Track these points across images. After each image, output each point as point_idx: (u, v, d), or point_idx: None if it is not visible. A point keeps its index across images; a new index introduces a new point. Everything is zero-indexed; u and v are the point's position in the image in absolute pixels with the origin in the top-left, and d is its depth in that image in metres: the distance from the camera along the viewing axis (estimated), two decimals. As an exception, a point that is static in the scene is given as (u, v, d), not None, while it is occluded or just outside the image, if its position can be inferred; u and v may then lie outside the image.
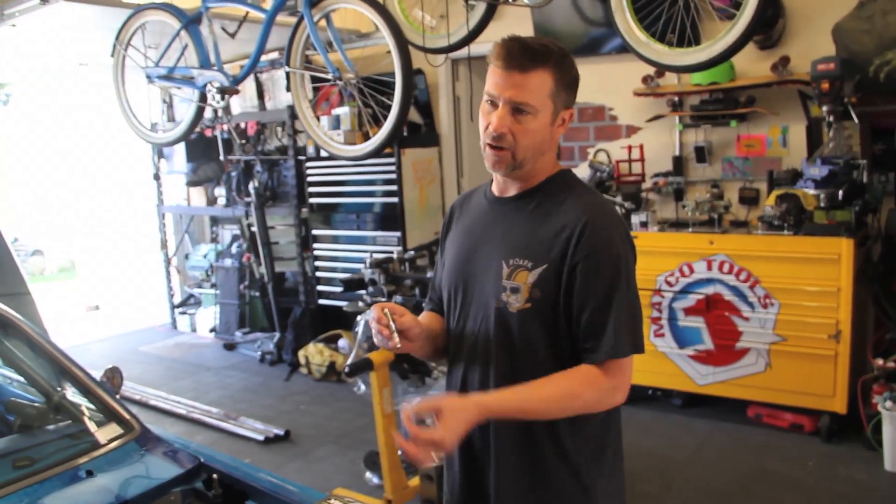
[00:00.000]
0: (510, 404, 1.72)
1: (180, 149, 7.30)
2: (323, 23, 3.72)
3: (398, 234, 6.05)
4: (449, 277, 1.99)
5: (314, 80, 3.94)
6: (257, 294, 7.13)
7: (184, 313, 7.92)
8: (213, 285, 7.51)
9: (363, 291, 4.13)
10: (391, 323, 1.79)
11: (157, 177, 7.53)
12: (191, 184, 7.42)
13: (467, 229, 1.99)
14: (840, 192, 4.41)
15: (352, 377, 3.74)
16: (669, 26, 3.25)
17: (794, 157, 4.98)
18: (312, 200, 6.52)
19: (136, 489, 2.28)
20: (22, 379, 2.78)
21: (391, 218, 6.11)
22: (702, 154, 5.23)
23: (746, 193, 5.13)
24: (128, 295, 8.75)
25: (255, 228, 6.82)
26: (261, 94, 6.60)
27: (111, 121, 7.58)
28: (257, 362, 6.68)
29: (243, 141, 6.71)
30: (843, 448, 4.40)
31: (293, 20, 3.90)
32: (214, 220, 8.05)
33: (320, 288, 6.63)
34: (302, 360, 6.22)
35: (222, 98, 4.02)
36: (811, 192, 4.56)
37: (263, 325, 7.17)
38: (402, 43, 3.41)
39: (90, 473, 2.31)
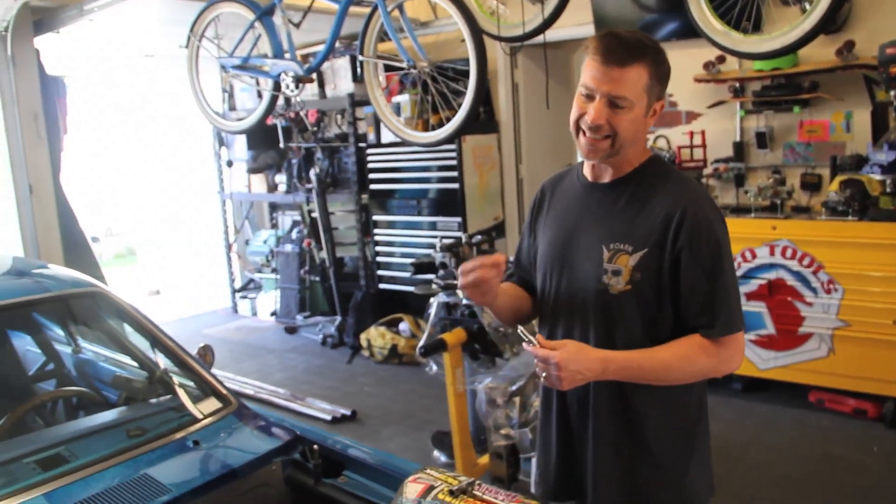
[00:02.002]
0: (631, 362, 1.83)
1: (241, 137, 7.47)
2: (396, 12, 3.82)
3: (458, 219, 6.15)
4: (546, 259, 2.07)
5: (387, 68, 4.03)
6: (317, 279, 7.29)
7: (245, 298, 8.12)
8: (274, 270, 7.69)
9: (432, 275, 4.22)
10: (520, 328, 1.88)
11: (230, 163, 7.67)
12: (252, 171, 7.59)
13: (563, 213, 2.07)
14: (907, 178, 4.41)
15: (425, 357, 3.85)
16: (741, 14, 3.30)
17: (857, 142, 4.97)
18: (372, 187, 6.64)
19: (241, 459, 2.41)
20: (125, 355, 2.92)
21: (451, 203, 6.21)
22: (763, 140, 5.24)
23: (808, 179, 5.13)
24: (188, 280, 8.98)
25: (315, 214, 6.97)
26: (321, 83, 6.72)
27: (173, 110, 7.81)
28: (318, 345, 6.84)
29: (315, 129, 6.84)
30: (909, 434, 4.42)
31: (363, 10, 4.01)
32: (274, 207, 8.22)
33: (380, 272, 6.77)
34: (364, 343, 6.36)
35: (297, 86, 4.14)
36: (877, 177, 4.55)
37: (323, 309, 7.32)
38: (477, 32, 3.49)
39: (197, 443, 2.44)
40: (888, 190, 4.48)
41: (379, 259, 6.77)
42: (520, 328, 1.87)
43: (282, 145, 7.26)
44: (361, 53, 3.92)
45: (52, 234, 5.46)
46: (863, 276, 4.48)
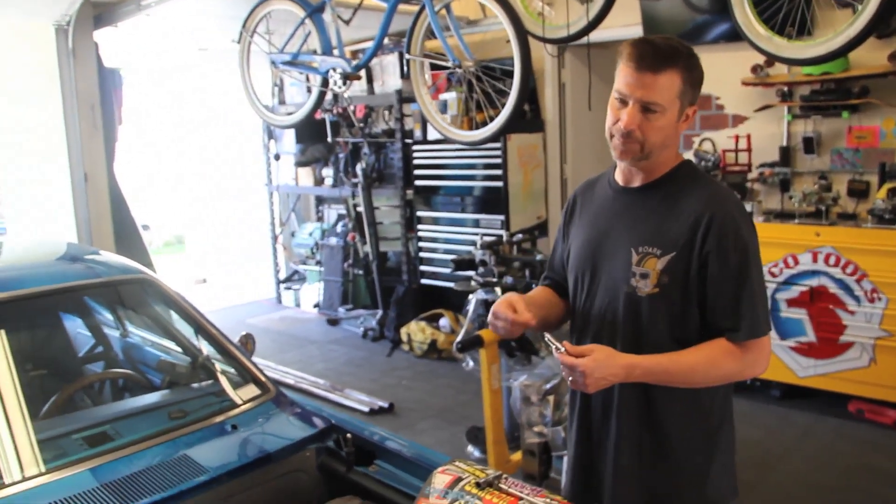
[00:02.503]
0: (657, 366, 1.87)
1: (290, 131, 7.61)
2: (443, 12, 3.87)
3: (502, 217, 6.19)
4: (577, 262, 2.11)
5: (433, 67, 4.10)
6: (360, 272, 7.39)
7: (289, 289, 8.27)
8: (318, 262, 7.81)
9: (472, 272, 4.28)
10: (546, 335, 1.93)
11: (277, 157, 7.81)
12: (299, 164, 7.71)
13: (594, 217, 2.11)
14: (957, 187, 4.34)
15: (462, 353, 3.90)
16: (787, 18, 3.28)
17: (908, 149, 4.90)
18: (417, 183, 6.71)
19: (277, 444, 2.48)
20: (170, 341, 3.03)
21: (495, 202, 6.25)
22: (810, 145, 5.18)
23: (855, 186, 5.06)
24: (234, 270, 9.16)
25: (360, 209, 7.07)
26: (370, 79, 6.81)
27: (224, 103, 7.98)
28: (360, 338, 6.94)
29: (362, 124, 6.94)
30: (950, 447, 4.35)
31: (412, 8, 4.08)
32: (320, 200, 8.35)
33: (423, 268, 6.84)
34: (404, 338, 6.44)
35: (344, 83, 4.22)
36: (926, 185, 4.49)
37: (366, 303, 7.43)
38: (522, 33, 3.53)
39: (235, 428, 2.53)
40: (937, 199, 4.42)
41: (421, 255, 6.84)
42: (546, 336, 1.92)
43: (329, 139, 7.37)
44: (408, 52, 3.98)
45: (104, 222, 5.64)
46: (907, 285, 4.42)
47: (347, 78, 4.16)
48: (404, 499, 2.29)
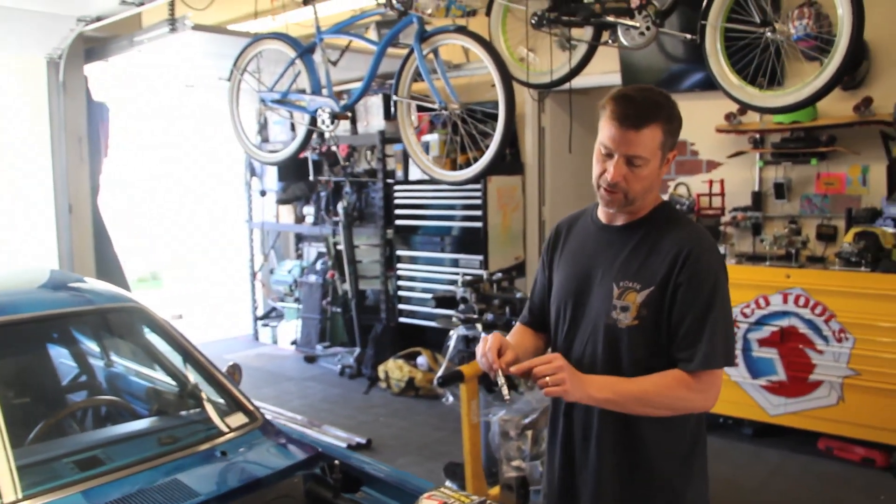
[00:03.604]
0: (611, 387, 1.97)
1: (273, 168, 7.70)
2: (431, 55, 4.01)
3: (481, 257, 6.30)
4: (560, 294, 2.21)
5: (419, 108, 4.22)
6: (339, 310, 7.44)
7: (266, 325, 8.29)
8: (297, 300, 7.86)
9: (452, 312, 4.36)
10: (500, 378, 2.00)
11: (263, 193, 7.86)
12: (281, 202, 7.79)
13: (577, 251, 2.22)
14: (920, 232, 4.51)
15: (443, 387, 3.97)
16: (759, 69, 3.45)
17: (873, 196, 5.09)
18: (398, 222, 6.81)
19: (265, 471, 2.53)
20: (159, 368, 3.08)
21: (474, 242, 6.36)
22: (781, 190, 5.36)
23: (824, 230, 5.24)
24: (211, 306, 9.15)
25: (340, 247, 7.14)
26: (354, 119, 6.94)
27: (208, 139, 8.07)
28: (337, 375, 6.97)
29: (346, 163, 7.05)
30: (916, 484, 4.47)
31: (400, 51, 4.21)
32: (299, 238, 8.41)
33: (401, 307, 6.91)
34: (381, 375, 6.48)
35: (332, 122, 4.33)
36: (890, 230, 4.67)
37: (343, 340, 7.47)
38: (507, 78, 3.67)
39: (224, 454, 2.58)
40: (901, 243, 4.59)
41: (400, 293, 6.91)
42: (500, 381, 2.00)
43: (311, 178, 7.46)
44: (396, 93, 4.09)
45: (87, 254, 5.68)
46: (874, 326, 4.56)
47: (336, 117, 4.27)
48: (392, 523, 2.34)
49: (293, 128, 7.45)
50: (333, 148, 6.35)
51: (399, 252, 6.88)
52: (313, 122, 4.47)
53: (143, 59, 5.99)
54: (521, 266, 6.70)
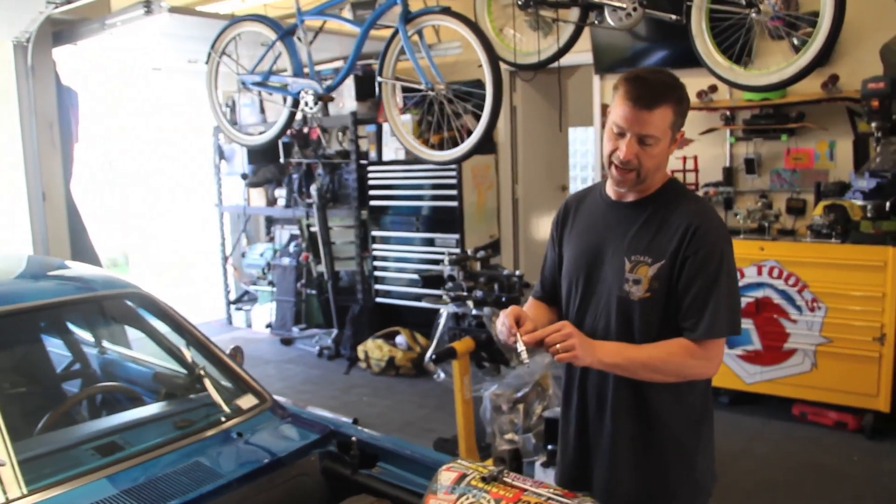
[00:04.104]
0: (619, 352, 2.08)
1: (241, 151, 7.65)
2: (415, 37, 4.03)
3: (456, 236, 6.36)
4: (572, 269, 2.30)
5: (404, 89, 4.24)
6: (314, 292, 7.44)
7: (239, 309, 8.25)
8: (270, 283, 7.83)
9: (439, 291, 4.42)
10: (520, 343, 2.07)
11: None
12: (251, 185, 7.74)
13: (587, 227, 2.30)
14: (887, 204, 4.68)
15: (437, 364, 4.04)
16: (741, 49, 3.55)
17: (840, 170, 5.27)
18: (372, 203, 6.83)
19: (283, 450, 2.57)
20: (165, 353, 3.08)
21: (450, 221, 6.41)
22: (751, 166, 5.52)
23: (793, 204, 5.41)
24: (182, 291, 9.07)
25: (314, 229, 7.14)
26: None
27: (176, 122, 7.97)
28: (315, 357, 6.99)
29: (326, 145, 7.02)
30: (886, 445, 4.66)
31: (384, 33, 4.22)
32: (270, 221, 8.37)
33: (377, 287, 6.94)
34: (361, 355, 6.52)
35: (315, 104, 4.33)
36: (859, 202, 4.83)
37: (319, 322, 7.48)
38: (494, 59, 3.70)
39: (240, 435, 2.61)
40: (869, 215, 4.76)
41: (376, 274, 6.94)
42: (519, 345, 2.07)
43: (282, 160, 7.43)
44: (380, 75, 4.10)
45: (62, 241, 5.60)
46: (845, 295, 4.74)
47: (320, 99, 4.27)
48: (411, 496, 2.39)
49: (262, 110, 7.44)
50: (315, 128, 6.32)
51: (374, 233, 6.90)
52: (295, 103, 4.46)
53: (112, 43, 5.89)
54: (496, 244, 6.79)
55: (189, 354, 3.01)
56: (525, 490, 2.19)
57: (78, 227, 5.79)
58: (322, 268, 7.16)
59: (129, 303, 3.05)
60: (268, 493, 2.43)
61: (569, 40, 3.71)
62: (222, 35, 4.70)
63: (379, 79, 4.13)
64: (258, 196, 7.80)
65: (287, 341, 7.39)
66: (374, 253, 6.92)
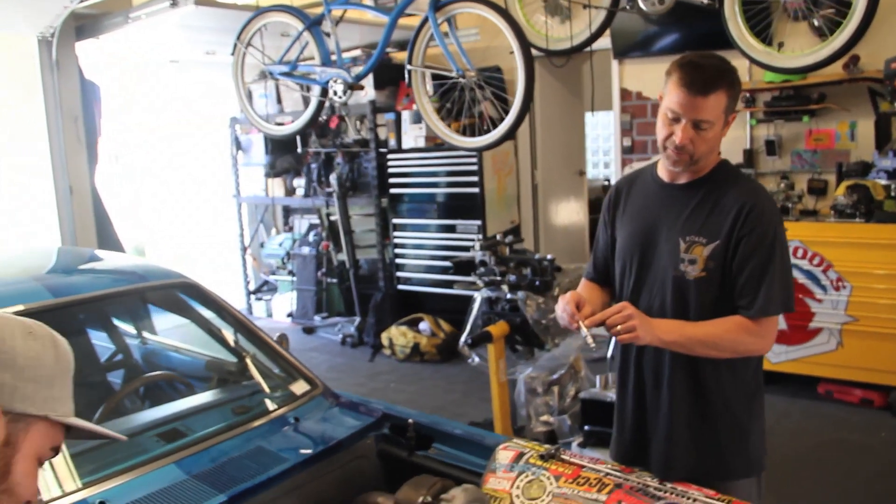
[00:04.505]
0: (678, 329, 2.13)
1: (258, 141, 7.69)
2: (445, 25, 4.05)
3: (478, 222, 6.40)
4: (626, 250, 2.34)
5: (434, 77, 4.27)
6: (334, 280, 7.49)
7: (259, 299, 8.30)
8: (290, 272, 7.88)
9: (467, 278, 4.48)
10: (583, 328, 2.13)
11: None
12: (270, 175, 7.78)
13: (641, 209, 2.35)
14: (911, 183, 4.73)
15: (472, 348, 4.09)
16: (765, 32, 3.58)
17: (861, 150, 5.30)
18: (392, 191, 6.87)
19: (339, 434, 2.62)
20: (217, 341, 3.13)
21: (470, 207, 6.45)
22: (772, 147, 5.56)
23: (815, 184, 5.45)
24: (201, 282, 9.10)
25: (334, 218, 7.18)
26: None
27: (192, 114, 7.99)
28: (338, 345, 7.05)
29: (357, 133, 7.06)
30: (913, 421, 4.74)
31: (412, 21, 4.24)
32: (288, 210, 8.41)
33: (399, 274, 7.00)
34: (385, 343, 6.58)
35: (344, 93, 4.37)
36: (882, 182, 4.88)
37: (340, 310, 7.54)
38: (525, 45, 3.73)
39: (297, 420, 2.67)
40: (892, 194, 4.81)
41: (398, 261, 6.99)
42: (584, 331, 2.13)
43: (299, 150, 7.46)
44: (410, 63, 4.13)
45: (89, 235, 5.65)
46: (869, 274, 4.79)
47: (351, 88, 4.30)
48: (469, 475, 2.42)
49: (279, 100, 7.46)
50: (335, 117, 6.36)
51: (394, 220, 6.94)
52: (324, 93, 4.49)
53: (131, 36, 5.92)
54: (516, 230, 6.82)
55: (241, 342, 3.08)
56: (583, 466, 2.25)
57: (103, 219, 5.84)
58: (343, 256, 7.21)
59: (180, 292, 3.10)
60: (328, 475, 2.47)
61: (601, 25, 3.74)
62: (248, 26, 4.72)
63: (408, 67, 4.15)
64: (276, 186, 7.83)
65: (309, 330, 7.45)
66: (395, 241, 6.96)
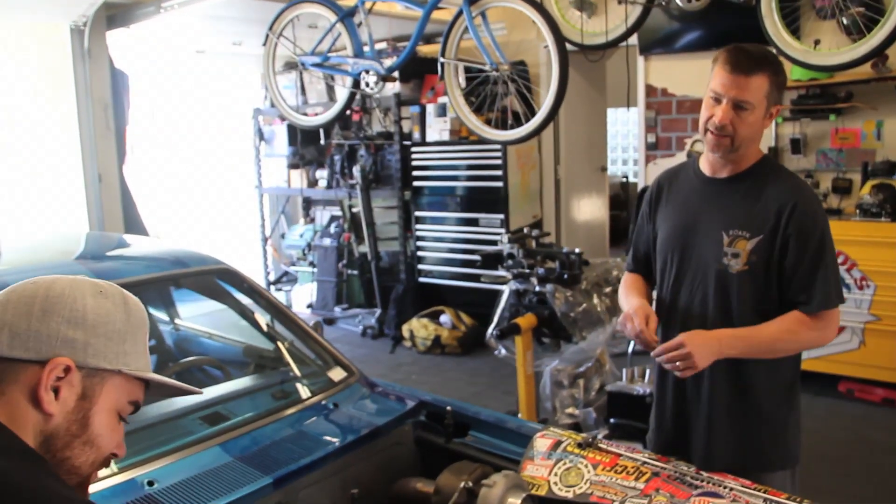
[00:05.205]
0: (742, 340, 2.14)
1: (281, 132, 7.73)
2: (478, 18, 4.08)
3: (501, 216, 6.43)
4: (668, 243, 2.37)
5: (466, 70, 4.30)
6: (355, 272, 7.53)
7: (279, 290, 8.36)
8: (311, 263, 7.92)
9: (494, 272, 4.51)
10: (649, 337, 2.19)
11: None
12: (292, 166, 7.83)
13: (682, 203, 2.37)
14: (939, 183, 4.74)
15: (501, 340, 4.13)
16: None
17: (888, 149, 5.30)
18: (416, 183, 6.91)
19: (378, 420, 2.65)
20: (254, 328, 3.18)
21: (494, 201, 6.48)
22: (797, 145, 5.56)
23: (839, 184, 5.45)
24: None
25: (356, 209, 7.22)
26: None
27: (216, 105, 8.05)
28: (359, 336, 7.09)
29: (385, 124, 7.11)
30: (935, 421, 4.75)
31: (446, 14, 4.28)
32: (309, 202, 8.45)
33: (420, 267, 7.04)
34: (406, 334, 6.62)
35: (376, 84, 4.40)
36: (909, 182, 4.89)
37: (360, 302, 7.58)
38: (560, 40, 3.76)
39: (336, 406, 2.71)
40: (919, 194, 4.82)
41: (419, 254, 7.03)
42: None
43: (322, 141, 7.51)
44: (443, 56, 4.16)
45: (116, 222, 5.71)
46: (893, 273, 4.80)
47: (384, 80, 4.34)
48: (506, 462, 2.45)
49: (303, 91, 7.51)
50: (358, 110, 6.41)
51: (417, 213, 6.98)
52: (356, 84, 4.52)
53: (159, 26, 5.97)
54: (538, 224, 6.85)
55: (278, 329, 3.12)
56: (621, 455, 2.28)
57: (130, 208, 5.90)
58: (364, 248, 7.25)
59: (221, 278, 3.14)
60: (367, 461, 2.51)
61: (637, 21, 3.76)
62: (281, 16, 4.75)
63: (441, 59, 4.18)
64: (298, 177, 7.87)
65: (329, 321, 7.49)
66: (417, 233, 7.00)
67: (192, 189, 8.44)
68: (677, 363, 2.08)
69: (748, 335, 2.16)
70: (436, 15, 4.30)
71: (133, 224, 5.89)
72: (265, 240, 8.30)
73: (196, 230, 8.97)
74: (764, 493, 2.00)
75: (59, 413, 1.19)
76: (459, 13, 4.07)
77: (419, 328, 6.52)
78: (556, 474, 2.29)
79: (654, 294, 2.51)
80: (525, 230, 4.59)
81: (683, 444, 2.38)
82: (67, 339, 1.19)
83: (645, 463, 2.22)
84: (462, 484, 2.20)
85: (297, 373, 2.96)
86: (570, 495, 2.19)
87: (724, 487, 2.06)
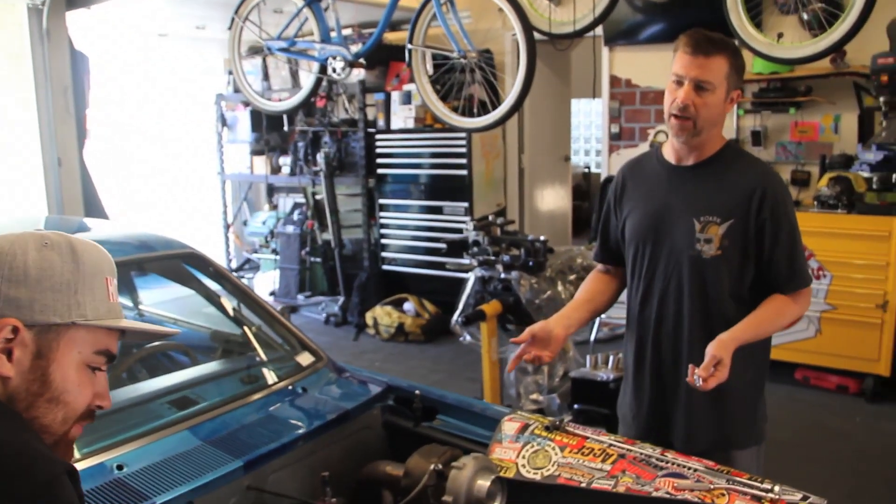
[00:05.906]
0: (749, 331, 2.20)
1: (244, 118, 7.66)
2: (447, 5, 4.08)
3: (465, 204, 6.45)
4: (638, 233, 2.41)
5: (433, 56, 4.30)
6: (318, 260, 7.51)
7: (241, 277, 8.27)
8: (274, 251, 7.87)
9: (458, 259, 4.53)
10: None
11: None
12: (256, 152, 7.76)
13: (648, 192, 2.42)
14: (894, 176, 4.85)
15: (465, 326, 4.15)
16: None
17: (844, 143, 5.44)
18: (380, 171, 6.90)
19: (346, 404, 2.65)
20: (221, 312, 3.15)
21: (458, 189, 6.50)
22: (758, 138, 5.68)
23: (798, 176, 5.57)
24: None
25: (319, 197, 7.19)
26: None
27: (178, 89, 7.94)
28: (322, 324, 7.07)
29: (338, 115, 7.06)
30: (886, 407, 4.88)
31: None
32: (272, 189, 8.39)
33: (384, 254, 7.04)
34: (369, 322, 6.62)
35: (343, 70, 4.38)
36: (865, 174, 5.00)
37: (323, 290, 7.55)
38: (528, 29, 3.77)
39: (305, 390, 2.71)
40: (874, 186, 4.93)
41: (383, 241, 7.03)
42: None
43: (286, 128, 7.45)
44: (411, 42, 4.15)
45: (76, 207, 5.60)
46: (849, 263, 4.93)
47: (351, 65, 4.32)
48: (474, 446, 2.47)
49: (267, 76, 7.44)
50: (343, 96, 6.39)
51: (381, 201, 6.97)
52: (322, 69, 4.50)
53: (125, 8, 5.88)
54: (502, 212, 6.89)
55: (246, 314, 3.10)
56: (587, 438, 2.32)
57: (91, 193, 5.79)
58: (328, 235, 7.22)
59: (187, 262, 3.11)
60: (336, 445, 2.52)
61: (604, 10, 3.79)
62: (247, 0, 4.71)
63: (409, 46, 4.17)
64: (261, 164, 7.81)
65: (292, 309, 7.43)
66: (381, 221, 6.99)
67: (153, 174, 8.33)
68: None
69: (755, 324, 2.22)
70: (402, 2, 4.30)
71: (93, 208, 5.78)
72: (227, 227, 8.23)
73: (157, 216, 8.86)
74: (727, 473, 2.04)
75: (16, 374, 1.16)
76: (427, 0, 4.07)
77: (383, 316, 6.53)
78: (524, 457, 2.32)
79: (626, 287, 2.55)
80: (490, 218, 4.60)
81: (664, 427, 2.43)
82: (10, 299, 1.16)
83: (611, 445, 2.25)
84: (432, 466, 2.21)
85: (265, 357, 2.94)
86: (538, 477, 2.22)
87: (689, 469, 2.11)
